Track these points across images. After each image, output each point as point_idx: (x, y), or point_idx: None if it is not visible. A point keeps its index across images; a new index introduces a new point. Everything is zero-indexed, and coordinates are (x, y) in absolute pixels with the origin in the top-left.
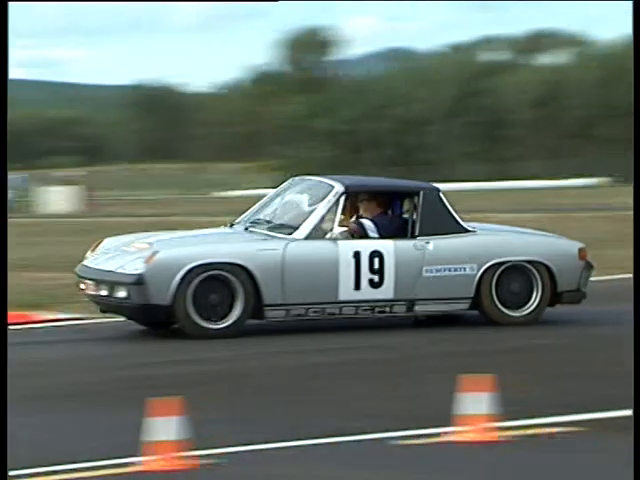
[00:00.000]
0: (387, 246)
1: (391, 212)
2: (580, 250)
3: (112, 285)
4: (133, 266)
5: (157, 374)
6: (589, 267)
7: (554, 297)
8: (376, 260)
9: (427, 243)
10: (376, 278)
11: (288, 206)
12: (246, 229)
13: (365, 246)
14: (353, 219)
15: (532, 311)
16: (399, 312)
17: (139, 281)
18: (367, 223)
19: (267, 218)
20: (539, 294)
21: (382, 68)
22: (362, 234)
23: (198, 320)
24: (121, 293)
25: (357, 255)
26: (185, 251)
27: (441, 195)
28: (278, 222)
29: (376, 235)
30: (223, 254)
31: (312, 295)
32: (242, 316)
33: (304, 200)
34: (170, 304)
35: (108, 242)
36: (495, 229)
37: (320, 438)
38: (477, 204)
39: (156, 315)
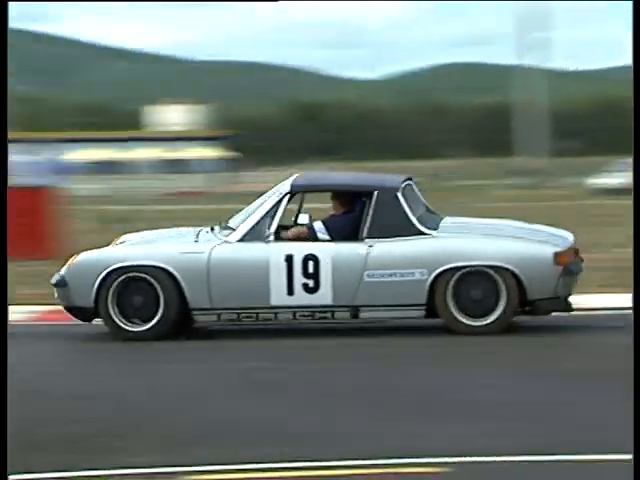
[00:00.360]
0: (324, 249)
1: (357, 212)
2: (556, 254)
3: (53, 286)
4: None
5: None
6: (569, 272)
7: (526, 305)
8: (310, 264)
9: (370, 246)
10: (311, 283)
11: (250, 206)
12: (212, 229)
13: (299, 249)
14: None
15: (494, 321)
16: (343, 318)
17: (61, 283)
18: (317, 225)
19: (229, 219)
20: (503, 302)
21: None
22: (313, 237)
23: (119, 322)
24: (55, 294)
25: (289, 259)
26: (107, 253)
27: (398, 195)
28: (229, 223)
29: (326, 237)
30: (146, 256)
31: (242, 300)
32: (163, 319)
33: (261, 199)
34: (93, 306)
35: (125, 238)
36: (465, 230)
37: None
38: None
39: (83, 316)
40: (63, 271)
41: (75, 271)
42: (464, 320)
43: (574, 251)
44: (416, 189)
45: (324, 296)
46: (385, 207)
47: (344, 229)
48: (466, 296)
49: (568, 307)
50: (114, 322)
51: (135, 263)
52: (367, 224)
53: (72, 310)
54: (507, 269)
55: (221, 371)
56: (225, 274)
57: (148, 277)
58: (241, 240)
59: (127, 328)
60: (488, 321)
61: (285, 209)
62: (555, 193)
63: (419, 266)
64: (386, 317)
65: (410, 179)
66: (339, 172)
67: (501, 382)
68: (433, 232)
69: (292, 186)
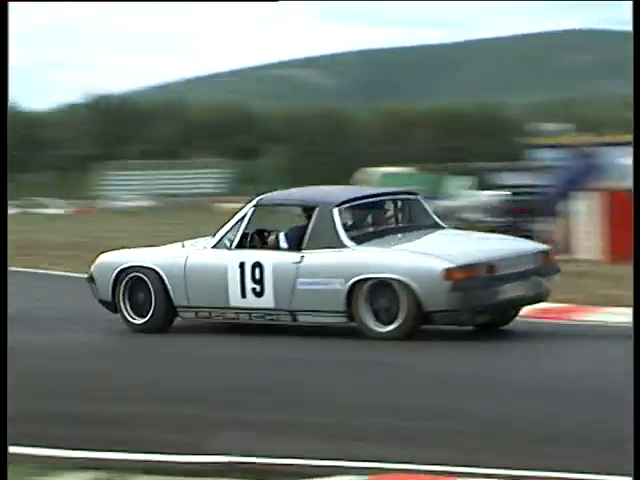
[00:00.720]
0: (267, 257)
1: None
2: (447, 270)
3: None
4: None
5: None
6: (461, 288)
7: (425, 316)
8: (257, 270)
9: (303, 257)
10: (258, 287)
11: None
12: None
13: (250, 257)
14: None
15: (395, 328)
16: (286, 321)
17: (90, 279)
18: (281, 235)
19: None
20: (403, 312)
21: None
22: (277, 246)
23: (127, 315)
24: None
25: (242, 265)
26: (119, 254)
27: (333, 211)
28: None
29: (286, 246)
30: (144, 259)
31: (210, 300)
32: (155, 314)
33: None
34: (112, 300)
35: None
36: (391, 243)
37: None
38: None
39: (109, 309)
40: (92, 268)
41: (98, 269)
42: (372, 326)
43: (487, 267)
44: (402, 203)
45: (268, 300)
46: (321, 221)
47: (298, 240)
48: (375, 305)
49: (469, 321)
50: (124, 315)
51: (135, 264)
52: (307, 236)
53: (102, 303)
54: (402, 281)
55: None
56: (196, 277)
57: (145, 277)
58: (214, 247)
59: (132, 321)
60: (391, 328)
61: (250, 220)
62: None
63: (338, 276)
64: (317, 322)
65: (399, 192)
66: (309, 188)
67: None
68: (356, 246)
69: (257, 201)
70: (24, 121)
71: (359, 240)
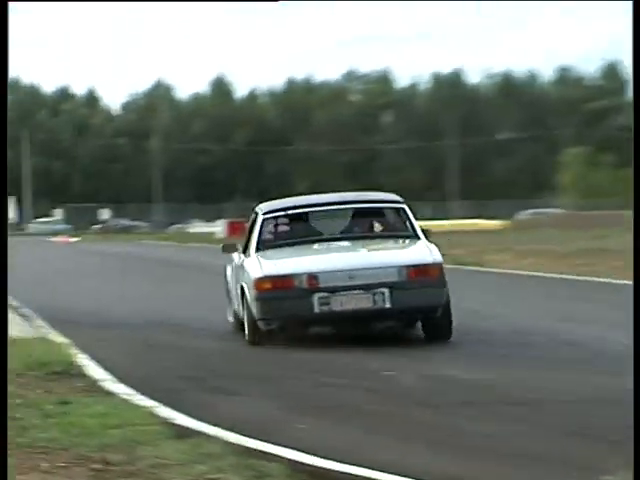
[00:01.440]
0: (241, 262)
1: None
2: (257, 279)
3: None
4: None
5: None
6: (265, 298)
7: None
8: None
9: (243, 261)
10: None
11: None
12: None
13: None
14: None
15: (248, 334)
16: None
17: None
18: None
19: None
20: (248, 319)
21: None
22: None
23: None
24: None
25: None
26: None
27: (258, 219)
28: None
29: None
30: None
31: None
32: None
33: None
34: None
35: None
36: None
37: None
38: None
39: None
40: None
41: None
42: (245, 332)
43: (307, 278)
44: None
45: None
46: (250, 230)
47: None
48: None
49: (295, 330)
50: None
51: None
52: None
53: None
54: (245, 290)
55: None
56: (232, 281)
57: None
58: (243, 252)
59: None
60: (247, 333)
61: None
62: None
63: (239, 281)
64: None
65: (345, 202)
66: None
67: None
68: (254, 253)
69: (257, 209)
70: None
71: (261, 248)
